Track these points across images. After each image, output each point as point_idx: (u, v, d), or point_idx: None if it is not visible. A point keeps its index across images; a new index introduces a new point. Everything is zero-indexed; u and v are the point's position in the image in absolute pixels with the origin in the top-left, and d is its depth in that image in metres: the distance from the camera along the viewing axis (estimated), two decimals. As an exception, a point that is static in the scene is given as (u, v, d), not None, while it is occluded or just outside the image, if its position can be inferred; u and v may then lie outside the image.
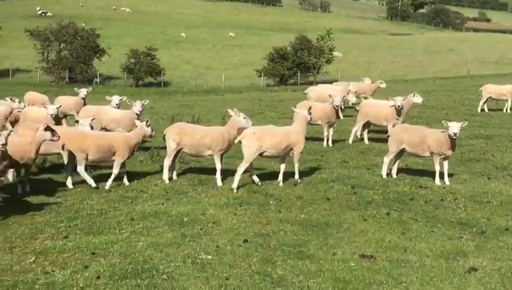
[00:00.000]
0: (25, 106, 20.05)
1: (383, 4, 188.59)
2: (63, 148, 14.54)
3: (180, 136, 15.18)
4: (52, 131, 13.54)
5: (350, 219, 12.35)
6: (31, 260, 9.92)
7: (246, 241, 10.90)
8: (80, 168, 14.53)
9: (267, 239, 11.07)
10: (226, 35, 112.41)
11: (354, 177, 16.01)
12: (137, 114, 18.32)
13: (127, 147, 14.89)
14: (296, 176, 15.35)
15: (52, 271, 9.46)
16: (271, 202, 13.56)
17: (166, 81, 69.06)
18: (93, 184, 14.47)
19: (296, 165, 15.30)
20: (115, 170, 14.67)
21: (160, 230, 11.50)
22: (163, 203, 13.27)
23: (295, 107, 16.51)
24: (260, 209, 13.02)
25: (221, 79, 66.69)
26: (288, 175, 15.31)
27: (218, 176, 15.10)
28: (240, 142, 14.70)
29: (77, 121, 16.77)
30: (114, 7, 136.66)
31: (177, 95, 55.98)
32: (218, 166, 15.14)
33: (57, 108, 18.57)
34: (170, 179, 15.36)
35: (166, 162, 15.30)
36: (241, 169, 14.56)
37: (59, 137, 13.66)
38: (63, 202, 13.30)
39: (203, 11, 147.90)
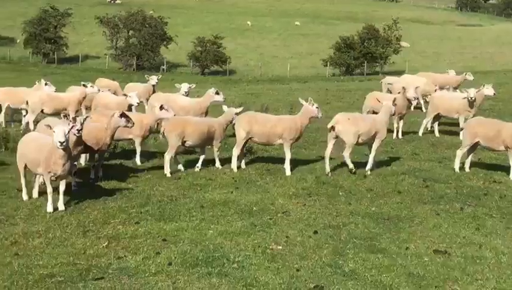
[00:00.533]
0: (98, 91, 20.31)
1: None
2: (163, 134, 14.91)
3: (251, 125, 15.13)
4: (127, 117, 13.76)
5: (422, 213, 12.10)
6: (104, 244, 10.02)
7: (316, 232, 10.79)
8: (169, 156, 14.72)
9: (337, 231, 10.94)
10: (292, 23, 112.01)
11: (425, 170, 15.71)
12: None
13: (223, 132, 15.56)
14: (369, 166, 15.24)
15: (125, 256, 9.54)
16: (340, 193, 13.42)
17: (232, 70, 69.27)
18: (182, 168, 15.12)
19: (373, 155, 15.30)
20: (217, 154, 15.40)
21: (230, 219, 11.49)
22: (232, 192, 13.27)
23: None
24: (329, 200, 12.88)
25: (287, 68, 66.52)
26: (358, 166, 15.14)
27: (287, 165, 15.04)
28: (332, 127, 14.86)
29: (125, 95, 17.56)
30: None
31: (242, 84, 56.04)
32: (288, 155, 15.07)
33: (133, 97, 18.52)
34: (239, 167, 15.34)
35: (236, 151, 15.29)
36: (346, 153, 14.91)
37: (133, 124, 13.92)
38: (134, 188, 13.43)
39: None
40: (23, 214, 11.52)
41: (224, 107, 16.16)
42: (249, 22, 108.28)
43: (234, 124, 15.57)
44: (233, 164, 15.27)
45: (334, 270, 9.17)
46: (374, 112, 18.48)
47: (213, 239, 10.34)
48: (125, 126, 13.84)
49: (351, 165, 14.98)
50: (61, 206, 11.75)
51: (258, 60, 73.51)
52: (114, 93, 21.82)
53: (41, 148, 11.71)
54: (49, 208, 11.62)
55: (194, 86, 20.96)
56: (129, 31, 69.98)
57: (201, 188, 13.57)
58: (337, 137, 14.95)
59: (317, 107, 15.22)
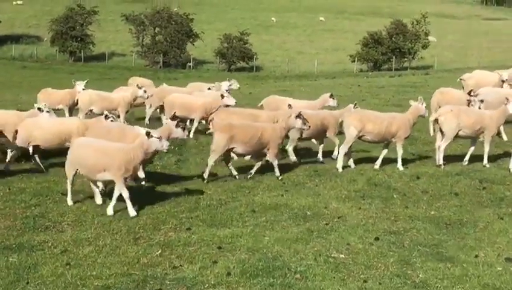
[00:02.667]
0: (148, 97, 19.86)
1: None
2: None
3: (363, 123, 14.63)
4: (304, 119, 13.64)
5: (485, 217, 11.53)
6: (157, 252, 9.58)
7: (377, 239, 10.27)
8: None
9: (399, 237, 10.41)
10: (316, 19, 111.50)
11: (480, 170, 15.09)
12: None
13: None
14: (485, 161, 15.47)
15: (180, 266, 9.09)
16: (395, 196, 12.88)
17: (258, 66, 68.87)
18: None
19: (486, 150, 15.47)
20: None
21: (285, 224, 11.00)
22: (282, 195, 12.77)
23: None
24: (385, 203, 12.36)
25: (314, 64, 66.05)
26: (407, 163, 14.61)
27: (399, 164, 15.01)
28: (436, 120, 15.14)
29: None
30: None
31: (269, 80, 55.61)
32: (400, 152, 14.99)
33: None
34: (344, 167, 14.90)
35: (343, 150, 14.85)
36: (442, 146, 14.95)
37: (309, 126, 13.97)
38: (181, 191, 12.96)
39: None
40: (70, 220, 11.10)
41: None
42: (273, 18, 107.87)
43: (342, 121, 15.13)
44: (339, 163, 14.84)
45: (403, 281, 8.65)
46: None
47: (270, 247, 9.85)
48: (301, 128, 13.83)
49: (440, 161, 15.04)
50: (110, 211, 11.33)
51: (284, 56, 73.14)
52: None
53: (108, 153, 11.28)
54: (110, 211, 11.29)
55: (233, 83, 20.47)
56: (155, 28, 69.80)
57: (250, 191, 13.09)
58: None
59: (425, 106, 15.26)
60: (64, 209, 11.67)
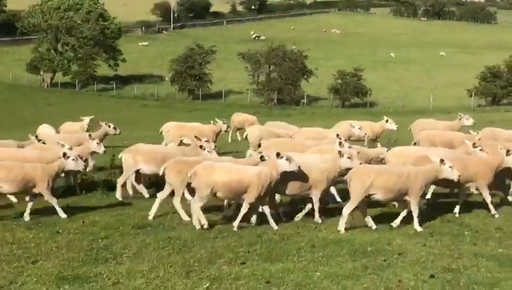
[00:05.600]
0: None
1: None
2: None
3: None
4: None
5: (557, 258, 10.88)
6: (205, 286, 9.64)
7: (432, 276, 9.90)
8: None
9: (456, 275, 9.99)
10: (436, 54, 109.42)
11: None
12: None
13: None
14: None
15: (225, 299, 9.13)
16: (466, 233, 12.42)
17: (372, 102, 68.31)
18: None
19: None
20: None
21: (341, 259, 10.82)
22: (347, 230, 12.57)
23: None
24: (453, 240, 11.93)
25: (429, 99, 64.67)
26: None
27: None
28: None
29: None
30: (324, 29, 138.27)
31: (381, 116, 54.92)
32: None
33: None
34: None
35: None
36: None
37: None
38: (246, 225, 13.03)
39: (413, 30, 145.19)
40: (131, 252, 11.35)
41: None
42: (392, 54, 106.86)
43: None
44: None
45: (446, 321, 8.30)
46: None
47: (319, 282, 9.72)
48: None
49: None
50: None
51: (400, 92, 72.17)
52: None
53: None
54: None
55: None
56: (270, 66, 70.84)
57: (317, 226, 12.98)
58: None
59: None
60: (128, 241, 12.00)
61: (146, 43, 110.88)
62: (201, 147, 15.06)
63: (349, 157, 13.29)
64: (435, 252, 11.21)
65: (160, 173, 13.83)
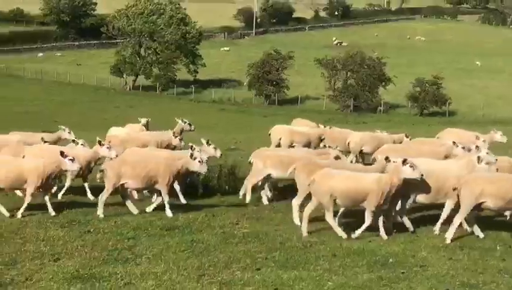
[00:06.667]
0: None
1: None
2: None
3: None
4: None
5: None
6: (212, 291, 9.62)
7: (446, 291, 9.56)
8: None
9: (472, 291, 9.62)
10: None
11: None
12: None
13: None
14: None
15: (227, 305, 9.06)
16: (498, 247, 11.92)
17: (452, 111, 66.75)
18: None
19: None
20: None
21: (358, 270, 10.56)
22: (369, 241, 12.28)
23: None
24: (482, 255, 11.50)
25: (512, 109, 62.71)
26: None
27: None
28: None
29: None
30: (409, 36, 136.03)
31: (460, 125, 53.44)
32: None
33: None
34: None
35: None
36: None
37: None
38: (273, 231, 12.90)
39: (501, 39, 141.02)
40: (152, 253, 11.38)
41: None
42: (478, 62, 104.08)
43: None
44: None
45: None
46: None
47: (327, 292, 9.53)
48: None
49: None
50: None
51: (482, 101, 70.18)
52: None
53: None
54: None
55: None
56: (347, 72, 70.28)
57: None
58: None
59: None
60: (152, 243, 12.06)
61: (227, 48, 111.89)
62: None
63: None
64: (459, 266, 10.82)
65: (288, 174, 14.00)
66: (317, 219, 13.14)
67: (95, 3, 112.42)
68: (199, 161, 14.15)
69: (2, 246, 11.69)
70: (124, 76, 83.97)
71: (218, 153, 16.85)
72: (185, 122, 20.93)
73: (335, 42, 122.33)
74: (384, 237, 12.48)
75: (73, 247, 11.75)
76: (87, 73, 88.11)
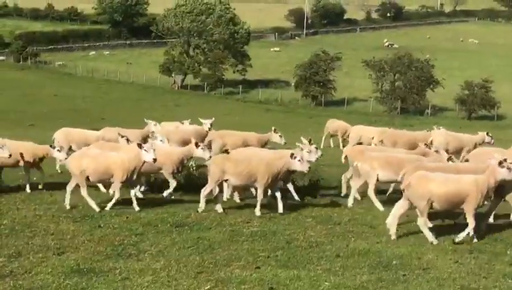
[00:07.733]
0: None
1: None
2: None
3: None
4: None
5: None
6: (206, 288, 9.56)
7: (442, 295, 9.34)
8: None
9: (470, 295, 9.37)
10: None
11: None
12: None
13: None
14: None
15: (220, 302, 9.01)
16: (508, 252, 11.59)
17: (501, 115, 65.41)
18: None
19: None
20: None
21: (358, 271, 10.38)
22: (378, 242, 12.07)
23: None
24: (491, 259, 11.18)
25: None
26: None
27: None
28: None
29: None
30: (461, 39, 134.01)
31: (509, 130, 52.50)
32: None
33: None
34: None
35: None
36: None
37: None
38: (282, 231, 12.80)
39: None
40: (156, 250, 11.35)
41: None
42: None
43: None
44: None
45: None
46: None
47: (322, 292, 9.40)
48: None
49: None
50: None
51: (535, 106, 68.60)
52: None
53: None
54: None
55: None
56: (395, 74, 69.58)
57: (354, 236, 12.54)
58: None
59: None
60: (159, 239, 12.06)
61: (277, 49, 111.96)
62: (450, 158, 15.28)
63: None
64: (463, 270, 10.55)
65: (399, 178, 13.81)
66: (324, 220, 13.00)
67: (147, 3, 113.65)
68: (299, 160, 14.08)
69: (10, 239, 11.84)
70: (173, 75, 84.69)
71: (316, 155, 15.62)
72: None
73: (386, 44, 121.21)
74: None
75: (80, 241, 11.82)
76: (137, 72, 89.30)
